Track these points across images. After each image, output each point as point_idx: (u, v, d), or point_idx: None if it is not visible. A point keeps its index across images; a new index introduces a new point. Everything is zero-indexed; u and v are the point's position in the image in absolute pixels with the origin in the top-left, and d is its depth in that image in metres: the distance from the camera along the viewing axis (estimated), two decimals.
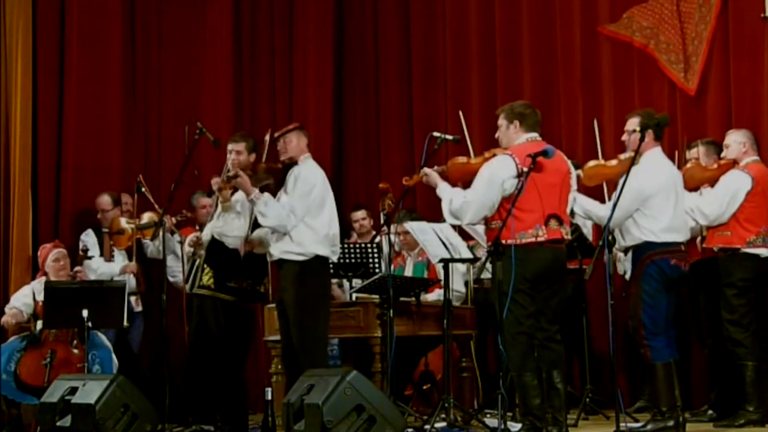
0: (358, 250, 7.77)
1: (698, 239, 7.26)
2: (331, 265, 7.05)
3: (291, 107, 10.29)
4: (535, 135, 6.23)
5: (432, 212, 8.60)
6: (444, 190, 6.37)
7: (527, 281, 6.00)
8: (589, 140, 8.85)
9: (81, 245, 8.27)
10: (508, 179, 6.03)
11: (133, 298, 8.25)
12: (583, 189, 6.87)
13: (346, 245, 7.71)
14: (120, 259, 8.37)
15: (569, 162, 6.35)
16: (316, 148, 9.90)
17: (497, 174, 6.08)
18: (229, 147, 7.19)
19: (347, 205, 9.39)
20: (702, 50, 8.45)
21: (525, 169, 5.96)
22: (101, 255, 8.36)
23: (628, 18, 8.91)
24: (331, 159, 9.99)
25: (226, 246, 7.14)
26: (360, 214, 8.87)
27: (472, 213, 6.16)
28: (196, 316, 7.27)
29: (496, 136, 6.38)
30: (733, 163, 7.23)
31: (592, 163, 7.02)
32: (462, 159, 6.69)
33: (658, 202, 6.41)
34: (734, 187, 7.09)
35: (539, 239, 6.01)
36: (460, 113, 7.04)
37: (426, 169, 6.53)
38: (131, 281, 8.22)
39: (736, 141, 7.26)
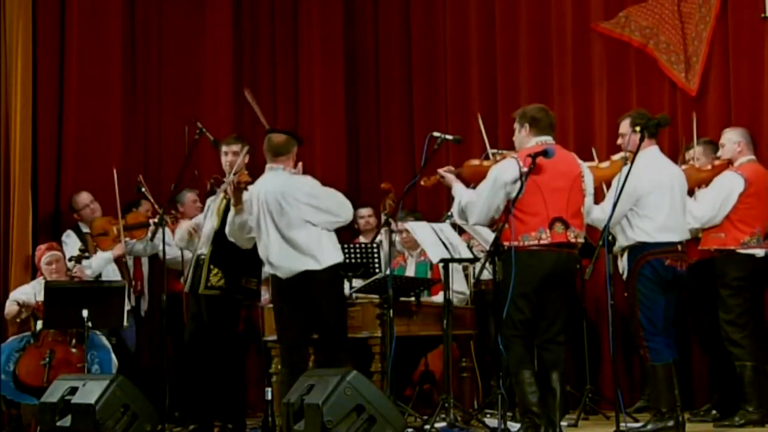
0: (359, 250, 7.77)
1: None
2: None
3: (296, 107, 10.27)
4: (546, 138, 6.16)
5: (432, 213, 8.62)
6: (458, 190, 6.41)
7: (530, 286, 5.97)
8: (583, 140, 8.86)
9: (64, 246, 8.21)
10: (510, 182, 6.03)
11: None
12: None
13: (347, 245, 7.70)
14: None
15: (582, 164, 6.27)
16: (324, 148, 10.00)
17: (500, 176, 6.07)
18: (225, 149, 7.17)
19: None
20: (702, 50, 8.42)
21: (525, 169, 5.95)
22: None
23: (625, 17, 8.88)
24: (347, 159, 10.08)
25: (233, 245, 7.01)
26: (366, 211, 8.94)
27: (477, 213, 6.15)
28: (199, 316, 7.14)
29: (513, 139, 6.37)
30: (728, 164, 7.22)
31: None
32: (475, 161, 6.88)
33: (651, 201, 6.39)
34: (727, 189, 7.08)
35: (542, 242, 5.97)
36: (479, 116, 7.14)
37: (442, 171, 6.61)
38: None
39: (731, 140, 7.25)
